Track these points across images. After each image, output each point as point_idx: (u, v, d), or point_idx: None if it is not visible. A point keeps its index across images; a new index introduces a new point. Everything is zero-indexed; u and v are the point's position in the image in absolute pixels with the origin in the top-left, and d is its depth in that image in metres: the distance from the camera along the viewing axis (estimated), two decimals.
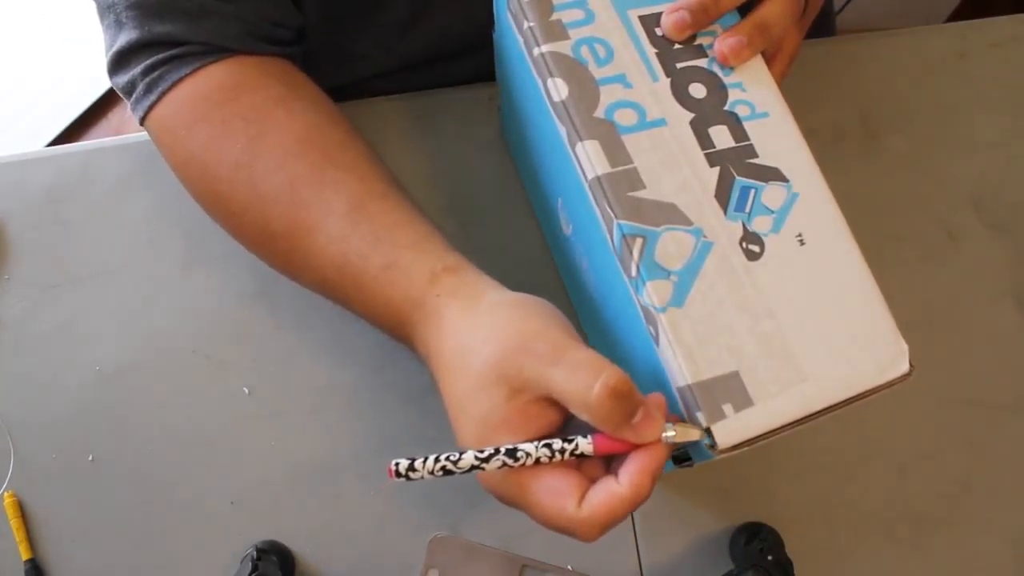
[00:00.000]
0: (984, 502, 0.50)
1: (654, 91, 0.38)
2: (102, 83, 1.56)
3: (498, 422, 0.34)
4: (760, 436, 0.33)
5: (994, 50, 0.62)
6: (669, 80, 0.38)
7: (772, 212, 0.36)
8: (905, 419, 0.52)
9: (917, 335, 0.54)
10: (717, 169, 0.37)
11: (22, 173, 0.60)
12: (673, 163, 0.37)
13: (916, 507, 0.50)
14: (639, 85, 0.38)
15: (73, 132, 1.54)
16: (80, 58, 1.56)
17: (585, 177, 0.37)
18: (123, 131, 1.55)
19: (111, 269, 0.57)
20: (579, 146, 0.37)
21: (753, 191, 0.37)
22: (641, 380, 0.41)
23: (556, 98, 0.38)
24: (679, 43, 0.39)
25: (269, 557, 0.48)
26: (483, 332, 0.36)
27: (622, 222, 0.35)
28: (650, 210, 0.36)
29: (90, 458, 0.53)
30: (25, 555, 0.50)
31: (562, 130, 0.38)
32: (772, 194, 0.37)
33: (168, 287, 0.57)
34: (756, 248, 0.36)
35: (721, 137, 0.37)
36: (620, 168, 0.36)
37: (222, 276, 0.57)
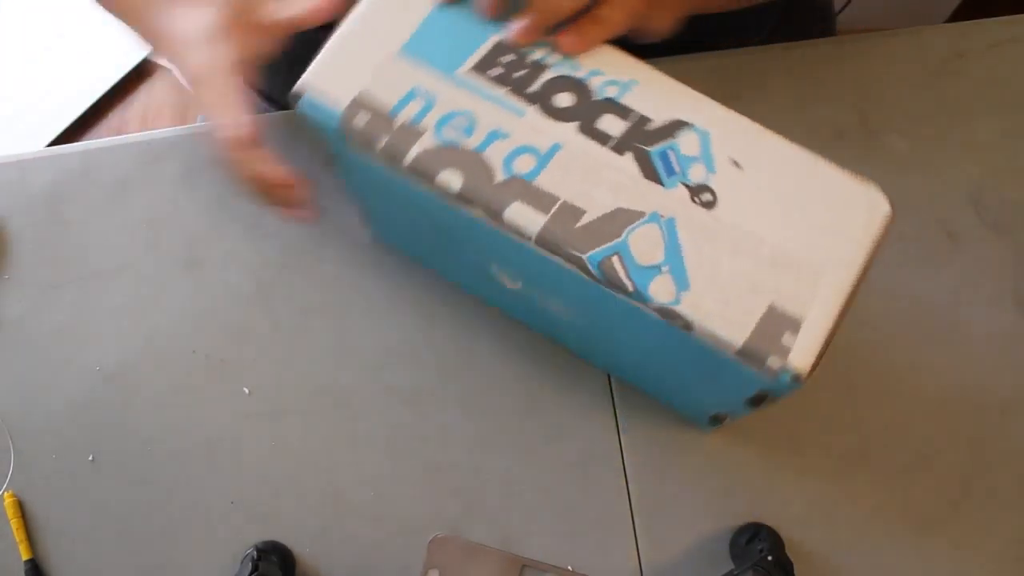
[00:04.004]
0: (984, 502, 0.50)
1: (529, 125, 0.37)
2: (102, 83, 1.56)
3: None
4: (827, 341, 0.34)
5: (994, 50, 0.62)
6: (535, 107, 0.37)
7: (698, 158, 0.36)
8: (905, 419, 0.52)
9: (917, 335, 0.54)
10: (630, 154, 0.37)
11: (22, 173, 0.60)
12: (592, 174, 0.36)
13: (916, 507, 0.50)
14: (514, 128, 0.37)
15: (73, 132, 1.54)
16: (80, 58, 1.56)
17: (528, 239, 0.36)
18: (123, 131, 1.55)
19: (111, 269, 0.57)
20: (504, 215, 0.36)
21: (671, 151, 0.37)
22: (682, 375, 0.42)
23: (455, 190, 0.36)
24: (520, 70, 0.38)
25: (269, 557, 0.48)
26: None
27: (589, 254, 0.35)
28: (603, 227, 0.36)
29: (90, 458, 0.53)
30: (25, 555, 0.50)
31: (475, 212, 0.37)
32: (687, 143, 0.37)
33: (168, 287, 0.57)
34: (708, 196, 0.36)
35: (612, 125, 0.37)
36: (552, 210, 0.36)
37: (222, 276, 0.57)
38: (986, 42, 0.62)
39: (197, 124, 0.62)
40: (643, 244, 0.35)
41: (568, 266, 0.36)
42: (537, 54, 0.38)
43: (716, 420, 0.47)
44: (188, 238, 0.58)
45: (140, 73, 1.57)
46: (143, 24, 0.50)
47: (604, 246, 0.35)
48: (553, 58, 0.38)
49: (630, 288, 0.35)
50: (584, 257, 0.35)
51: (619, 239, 0.35)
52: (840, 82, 0.60)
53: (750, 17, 0.65)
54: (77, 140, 1.50)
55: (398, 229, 0.51)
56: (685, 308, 0.34)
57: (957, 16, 1.35)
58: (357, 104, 0.37)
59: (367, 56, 0.38)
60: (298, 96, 0.38)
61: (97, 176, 0.60)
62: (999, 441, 0.51)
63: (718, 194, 0.36)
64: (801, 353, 0.34)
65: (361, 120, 0.37)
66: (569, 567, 0.49)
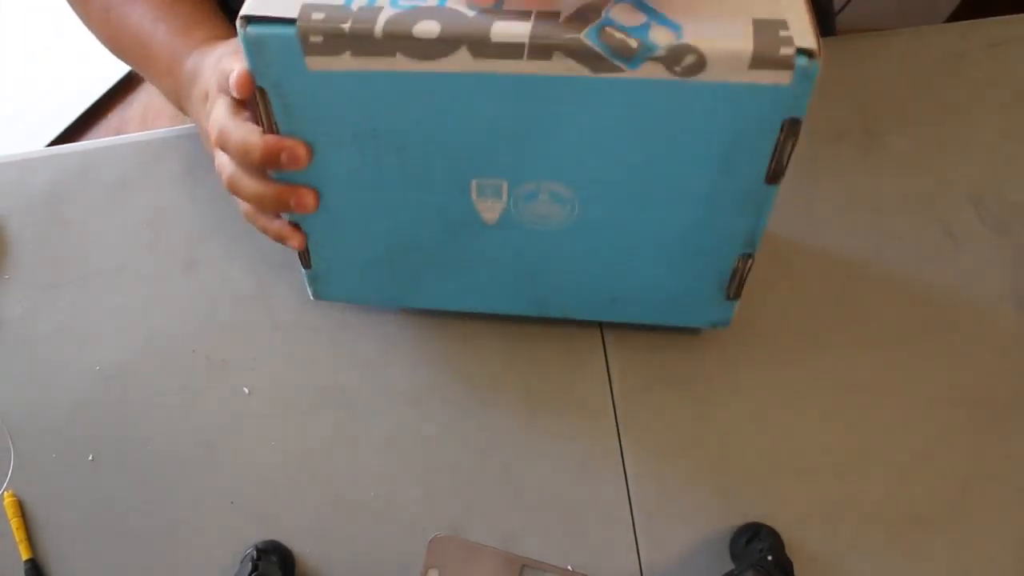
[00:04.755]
0: (984, 502, 0.50)
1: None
2: (102, 83, 1.57)
3: None
4: (816, 30, 0.36)
5: (993, 50, 0.62)
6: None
7: None
8: (905, 419, 0.52)
9: (917, 335, 0.54)
10: None
11: (22, 173, 0.60)
12: None
13: (916, 507, 0.50)
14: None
15: (73, 132, 1.54)
16: (80, 58, 1.56)
17: (520, 51, 0.37)
18: (123, 131, 1.55)
19: (111, 269, 0.57)
20: (491, 37, 0.37)
21: None
22: (696, 205, 0.43)
23: (434, 35, 0.37)
24: None
25: (269, 557, 0.48)
26: None
27: (584, 32, 0.36)
28: (582, 16, 0.37)
29: (90, 458, 0.53)
30: (25, 555, 0.50)
31: (459, 58, 0.38)
32: None
33: (168, 287, 0.57)
34: None
35: None
36: (532, 18, 0.37)
37: (222, 276, 0.57)
38: (986, 42, 0.62)
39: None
40: (624, 15, 0.37)
41: (565, 69, 0.37)
42: None
43: (736, 284, 0.47)
44: (188, 238, 0.58)
45: None
46: (179, 73, 0.51)
47: (592, 26, 0.37)
48: None
49: (634, 45, 0.36)
50: (581, 36, 0.37)
51: (602, 18, 0.37)
52: (840, 82, 0.60)
53: None
54: (77, 140, 1.50)
55: (353, 248, 0.49)
56: (689, 40, 0.36)
57: (957, 16, 1.35)
58: (308, 9, 0.38)
59: None
60: (244, 28, 0.38)
61: (97, 176, 0.60)
62: (999, 441, 0.51)
63: None
64: (802, 37, 0.36)
65: (318, 18, 0.38)
66: (569, 567, 0.49)
